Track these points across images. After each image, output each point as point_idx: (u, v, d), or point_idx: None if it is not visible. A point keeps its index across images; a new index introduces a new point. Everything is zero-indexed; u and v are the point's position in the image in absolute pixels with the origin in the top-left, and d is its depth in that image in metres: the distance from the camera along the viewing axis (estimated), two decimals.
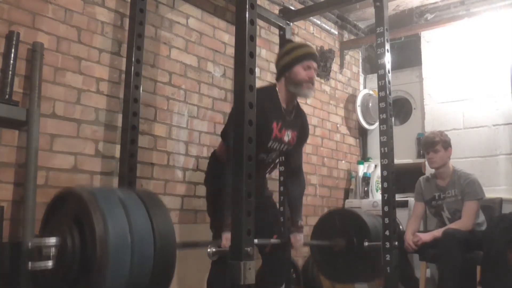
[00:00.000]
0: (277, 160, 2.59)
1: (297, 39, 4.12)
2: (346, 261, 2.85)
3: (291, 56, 2.35)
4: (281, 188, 3.34)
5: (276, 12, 3.58)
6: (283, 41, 2.61)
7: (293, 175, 2.57)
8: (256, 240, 1.95)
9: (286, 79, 2.35)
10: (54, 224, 1.65)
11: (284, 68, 2.36)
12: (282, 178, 3.32)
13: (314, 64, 2.36)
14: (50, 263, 1.54)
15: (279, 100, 2.35)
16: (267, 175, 2.61)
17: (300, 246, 2.49)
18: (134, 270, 1.55)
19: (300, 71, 2.31)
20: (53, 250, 1.55)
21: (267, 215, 2.46)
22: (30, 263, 1.55)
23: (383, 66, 2.84)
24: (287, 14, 3.49)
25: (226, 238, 1.96)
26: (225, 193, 2.02)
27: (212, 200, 2.43)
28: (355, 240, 2.82)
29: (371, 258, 2.79)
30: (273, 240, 2.38)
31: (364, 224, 2.84)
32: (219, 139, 2.50)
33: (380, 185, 2.92)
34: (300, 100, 4.07)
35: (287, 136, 2.39)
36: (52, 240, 1.56)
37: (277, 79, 2.42)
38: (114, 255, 1.50)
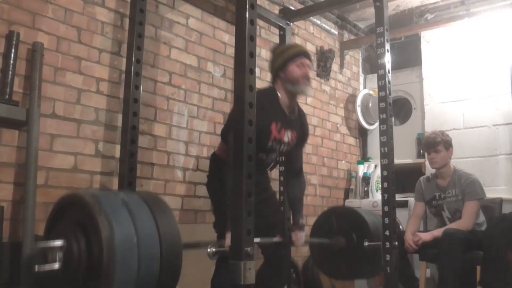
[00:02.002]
0: (278, 159, 2.59)
1: (297, 39, 4.12)
2: (346, 259, 2.85)
3: (283, 57, 2.39)
4: (281, 188, 3.33)
5: (276, 12, 3.58)
6: (274, 46, 2.66)
7: (294, 176, 2.57)
8: (258, 239, 1.96)
9: (282, 80, 2.37)
10: (59, 229, 1.64)
11: (278, 69, 2.39)
12: (282, 178, 3.32)
13: (307, 61, 2.40)
14: (56, 265, 1.54)
15: (278, 100, 2.36)
16: (269, 171, 2.61)
17: (301, 244, 2.50)
18: (141, 272, 1.55)
19: (294, 69, 2.35)
20: (59, 254, 1.55)
21: (271, 213, 2.46)
22: (36, 266, 1.54)
23: (383, 66, 2.84)
24: (287, 14, 3.49)
25: (230, 237, 1.96)
26: (228, 192, 2.02)
27: (216, 200, 2.42)
28: (355, 238, 2.82)
29: (371, 255, 2.78)
30: (275, 239, 2.38)
31: (363, 222, 2.84)
32: (219, 139, 2.50)
33: (380, 185, 2.92)
34: (300, 100, 4.09)
35: (287, 137, 2.39)
36: (58, 243, 1.55)
37: (273, 81, 2.44)
38: (121, 257, 1.50)
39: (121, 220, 1.57)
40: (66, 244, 1.55)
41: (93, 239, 1.53)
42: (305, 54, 2.42)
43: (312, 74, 2.57)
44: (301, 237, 2.46)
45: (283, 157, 2.83)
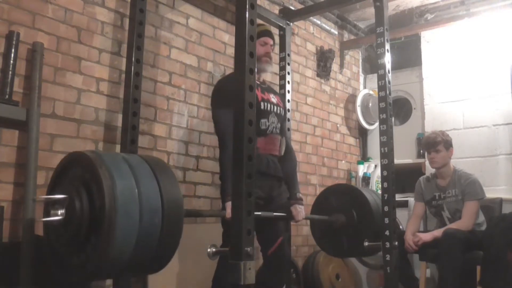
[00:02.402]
0: (281, 127, 2.56)
1: (297, 39, 4.13)
2: (347, 236, 2.85)
3: None
4: None
5: (276, 12, 3.58)
6: None
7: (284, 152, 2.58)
8: (259, 213, 1.97)
9: None
10: (61, 186, 1.66)
11: None
12: None
13: (270, 41, 2.54)
14: (59, 217, 1.56)
15: None
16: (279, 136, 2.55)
17: (302, 218, 2.50)
18: (143, 223, 1.56)
19: (258, 47, 2.31)
20: (61, 208, 1.57)
21: (278, 208, 2.45)
22: (42, 218, 1.58)
23: (383, 66, 2.84)
24: (287, 14, 3.49)
25: (229, 207, 1.95)
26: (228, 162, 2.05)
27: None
28: (355, 215, 2.82)
29: (372, 234, 2.77)
30: (276, 214, 2.39)
31: (364, 199, 2.84)
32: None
33: (380, 185, 2.92)
34: (300, 100, 4.10)
35: (273, 98, 2.52)
36: (60, 196, 1.58)
37: None
38: (122, 207, 1.51)
39: (122, 173, 1.59)
40: (68, 198, 1.57)
41: (94, 191, 1.54)
42: (267, 33, 2.55)
43: (272, 54, 2.59)
44: (301, 210, 2.47)
45: None
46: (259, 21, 3.83)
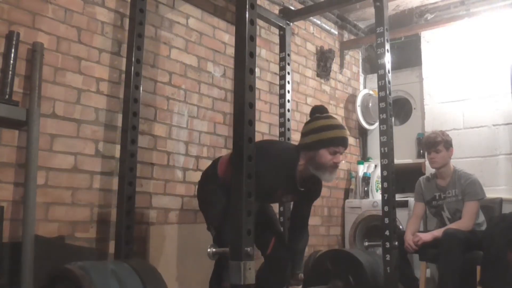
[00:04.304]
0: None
1: (297, 39, 4.12)
2: None
3: (320, 137, 2.18)
4: None
5: (276, 12, 3.58)
6: (314, 112, 2.34)
7: (298, 228, 2.51)
8: None
9: (309, 157, 2.20)
10: None
11: (309, 146, 2.21)
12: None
13: (343, 149, 2.21)
14: None
15: (295, 174, 2.22)
16: None
17: None
18: None
19: (326, 155, 2.16)
20: None
21: (265, 215, 2.46)
22: None
23: (383, 66, 2.84)
24: (287, 14, 3.49)
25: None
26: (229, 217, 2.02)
27: (210, 206, 2.37)
28: (352, 280, 2.79)
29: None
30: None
31: (359, 264, 2.82)
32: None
33: (380, 185, 2.92)
34: (300, 100, 4.09)
35: (286, 198, 2.42)
36: None
37: (299, 148, 2.27)
38: None
39: None
40: None
41: None
42: (343, 141, 2.20)
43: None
44: None
45: (291, 207, 2.70)
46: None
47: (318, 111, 2.32)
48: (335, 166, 2.18)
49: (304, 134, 2.28)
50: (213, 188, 2.32)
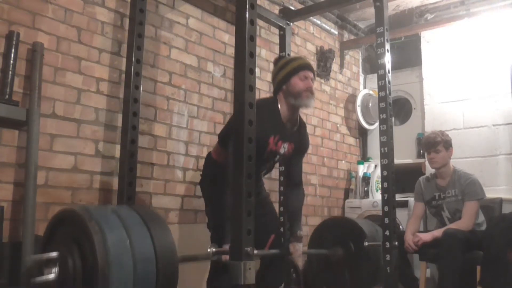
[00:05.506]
0: (272, 167, 2.57)
1: (297, 39, 4.13)
2: (345, 269, 2.82)
3: (286, 70, 2.36)
4: (281, 188, 3.34)
5: (276, 12, 3.58)
6: (276, 58, 2.61)
7: (293, 187, 2.55)
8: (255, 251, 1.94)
9: (285, 92, 2.34)
10: (53, 245, 1.65)
11: (281, 82, 2.36)
12: (281, 178, 3.32)
13: (311, 74, 2.37)
14: (52, 276, 1.55)
15: (279, 113, 2.33)
16: (262, 177, 2.60)
17: (299, 256, 2.49)
18: (138, 274, 1.55)
19: (297, 82, 2.32)
20: (54, 266, 1.56)
21: (264, 214, 2.46)
22: (36, 278, 1.55)
23: (383, 66, 2.84)
24: (287, 14, 3.49)
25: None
26: (224, 198, 2.04)
27: (209, 202, 2.42)
28: (353, 247, 2.80)
29: (371, 260, 2.77)
30: (273, 251, 2.40)
31: (360, 230, 2.82)
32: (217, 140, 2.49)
33: (380, 185, 2.92)
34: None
35: (283, 148, 2.39)
36: (52, 255, 1.56)
37: (275, 93, 2.40)
38: (115, 259, 1.50)
39: (112, 225, 1.58)
40: (60, 256, 1.55)
41: (86, 247, 1.53)
42: (308, 67, 2.39)
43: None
44: (299, 248, 2.45)
45: (283, 167, 2.81)
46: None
47: (279, 58, 2.62)
48: (308, 90, 2.34)
49: (274, 78, 2.45)
50: (210, 192, 2.38)
